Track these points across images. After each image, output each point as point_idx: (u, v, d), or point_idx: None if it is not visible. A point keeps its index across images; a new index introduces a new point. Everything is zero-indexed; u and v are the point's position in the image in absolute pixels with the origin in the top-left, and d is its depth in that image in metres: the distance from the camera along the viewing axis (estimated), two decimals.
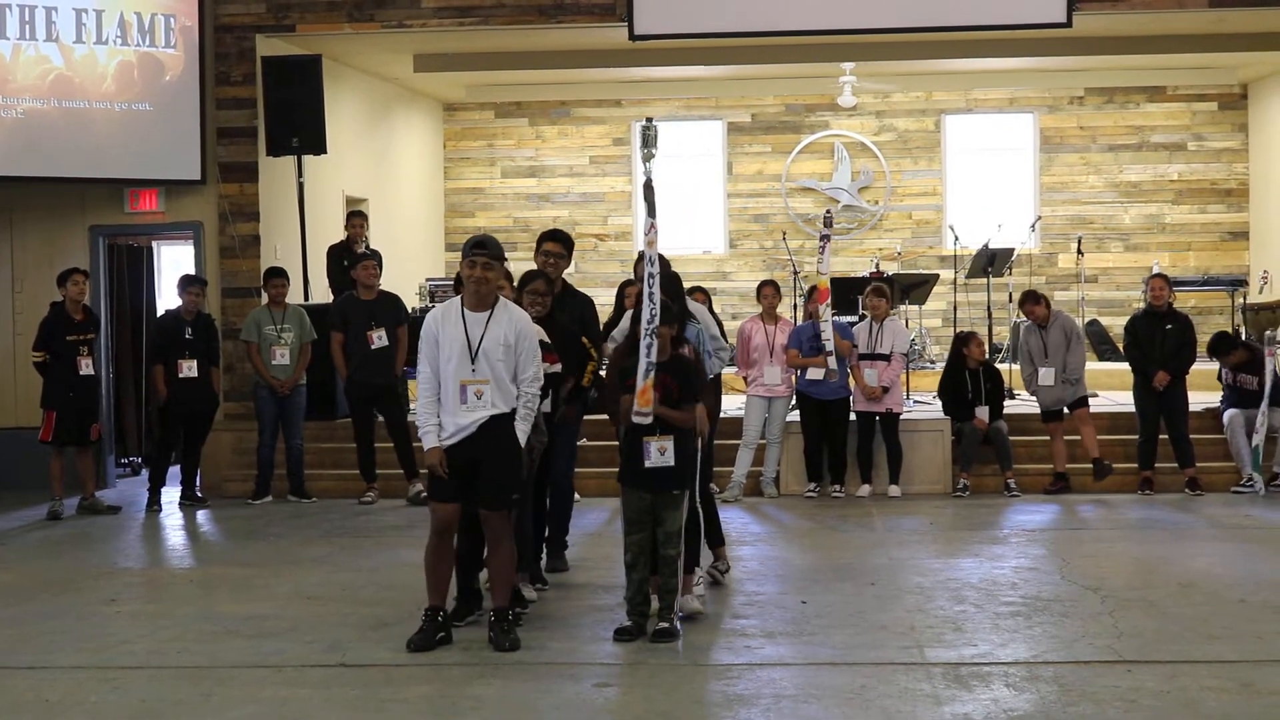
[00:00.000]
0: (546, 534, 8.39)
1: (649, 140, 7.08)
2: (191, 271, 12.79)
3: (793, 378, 11.59)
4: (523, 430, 6.73)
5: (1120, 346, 13.06)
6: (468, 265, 6.69)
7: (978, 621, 7.10)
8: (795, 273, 15.08)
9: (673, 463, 6.83)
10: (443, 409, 6.65)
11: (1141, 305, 12.89)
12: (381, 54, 14.64)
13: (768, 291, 11.75)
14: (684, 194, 17.77)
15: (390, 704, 5.84)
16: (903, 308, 14.60)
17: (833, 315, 11.34)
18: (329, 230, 13.54)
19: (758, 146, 17.73)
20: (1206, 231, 17.24)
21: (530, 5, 12.93)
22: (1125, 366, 11.98)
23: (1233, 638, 6.68)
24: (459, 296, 6.81)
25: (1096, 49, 14.69)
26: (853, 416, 11.66)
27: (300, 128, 12.74)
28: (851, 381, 11.63)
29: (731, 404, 11.87)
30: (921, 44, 14.56)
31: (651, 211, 7.00)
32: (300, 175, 13.02)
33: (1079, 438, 11.65)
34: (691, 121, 17.87)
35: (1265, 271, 15.75)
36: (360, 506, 11.45)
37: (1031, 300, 11.80)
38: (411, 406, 11.95)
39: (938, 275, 15.25)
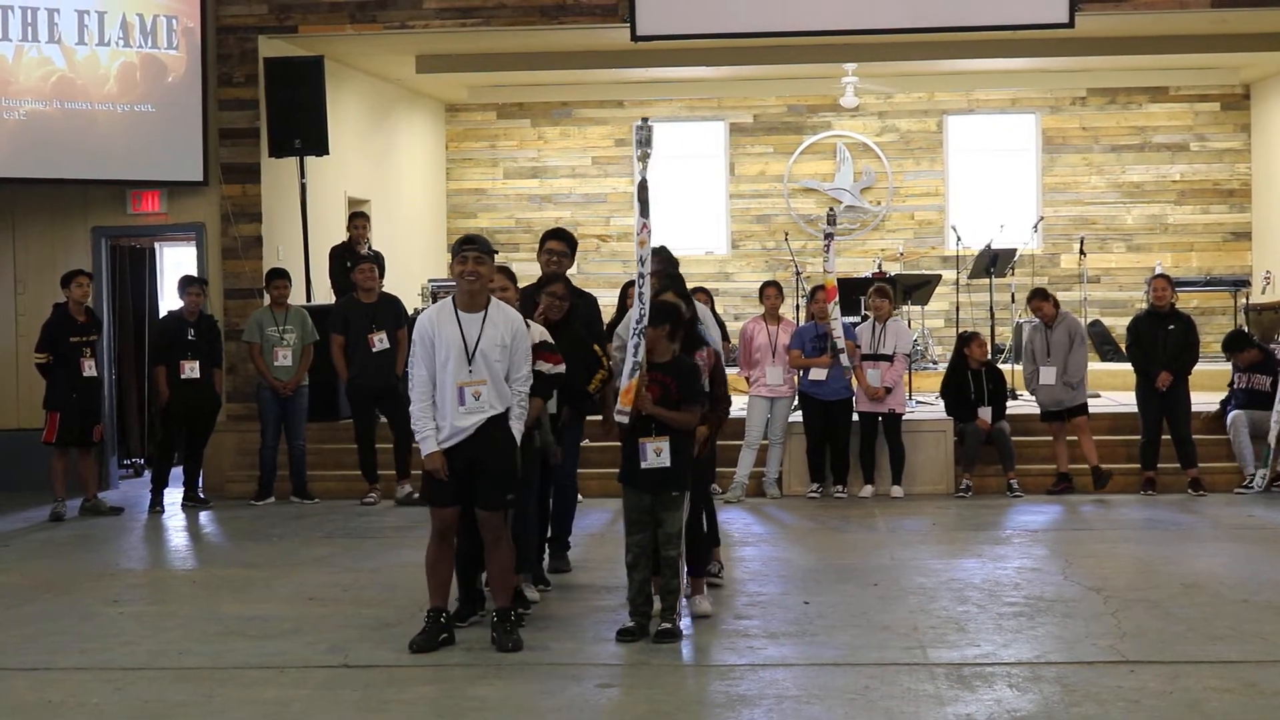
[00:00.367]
0: (549, 535, 8.39)
1: (644, 141, 7.06)
2: (193, 273, 12.78)
3: (795, 378, 11.59)
4: (518, 429, 6.72)
5: (1122, 347, 13.05)
6: (458, 261, 6.67)
7: (980, 622, 7.10)
8: (797, 273, 15.08)
9: (669, 464, 6.81)
10: (440, 411, 6.63)
11: (1144, 306, 12.88)
12: (383, 55, 14.64)
13: (770, 292, 11.75)
14: (686, 195, 17.79)
15: (393, 705, 5.84)
16: (905, 308, 14.59)
17: (838, 315, 11.34)
18: (331, 231, 13.54)
19: (760, 147, 17.73)
20: (1209, 232, 17.23)
21: (532, 6, 12.94)
22: (1128, 367, 11.98)
23: (1236, 638, 6.68)
24: (450, 298, 6.79)
25: (1099, 49, 14.69)
26: (855, 417, 11.66)
27: (302, 129, 12.75)
28: (854, 382, 11.62)
29: (733, 404, 11.84)
30: (924, 44, 14.55)
31: (645, 212, 7.00)
32: (302, 176, 13.02)
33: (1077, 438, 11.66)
34: (694, 122, 17.87)
35: (1268, 272, 15.74)
36: (362, 507, 11.45)
37: (1040, 297, 11.81)
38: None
39: (940, 276, 15.24)
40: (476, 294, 6.67)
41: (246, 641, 6.93)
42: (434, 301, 14.29)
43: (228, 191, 13.10)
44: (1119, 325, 15.18)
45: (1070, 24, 12.53)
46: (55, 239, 13.28)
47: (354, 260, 12.29)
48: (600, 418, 8.33)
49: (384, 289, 12.11)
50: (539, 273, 8.45)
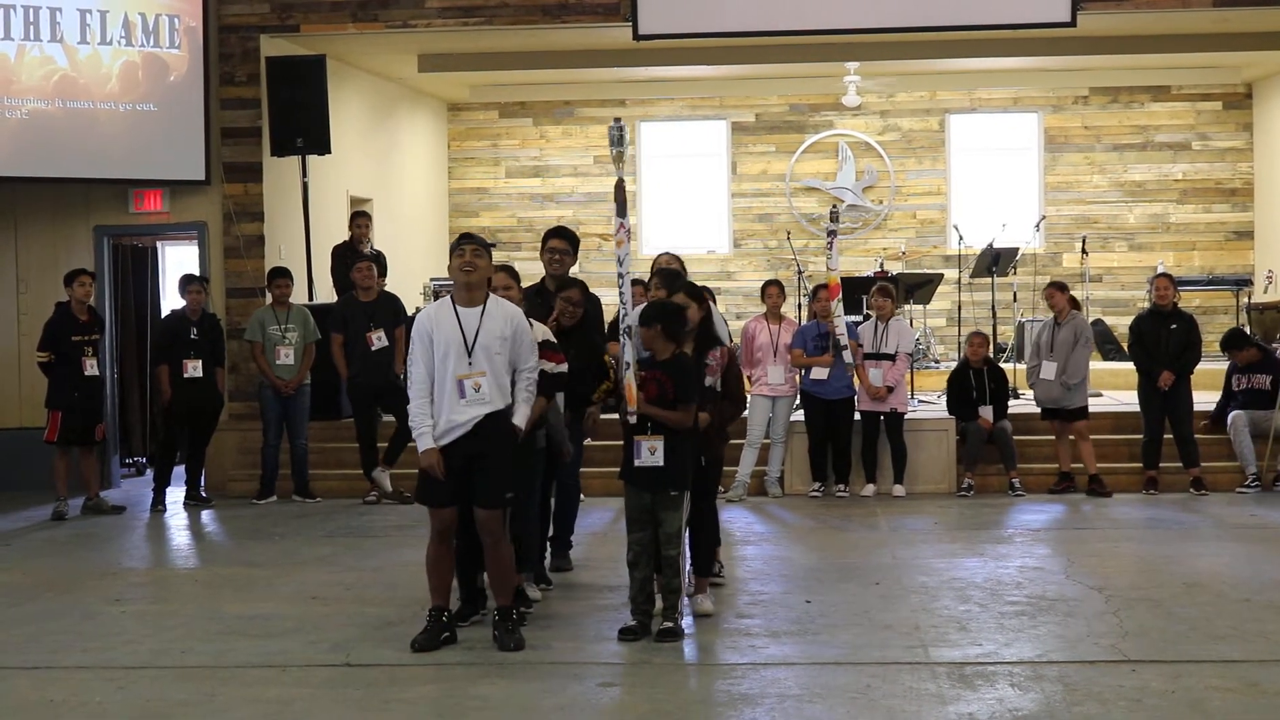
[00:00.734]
0: (551, 533, 8.39)
1: (618, 140, 7.07)
2: (195, 272, 12.78)
3: (797, 377, 11.59)
4: (523, 412, 6.72)
5: (1125, 346, 13.05)
6: (456, 254, 6.68)
7: (982, 621, 7.09)
8: (799, 272, 15.08)
9: (662, 463, 6.81)
10: (438, 407, 6.63)
11: (1146, 305, 12.87)
12: (386, 54, 14.65)
13: (772, 291, 11.75)
14: (688, 194, 17.80)
15: (395, 704, 5.84)
16: (907, 307, 14.59)
17: (840, 313, 11.35)
18: (333, 230, 13.54)
19: (762, 146, 17.73)
20: (1211, 231, 17.23)
21: (534, 5, 12.94)
22: (1130, 366, 11.97)
23: (1238, 637, 6.68)
24: (449, 296, 6.79)
25: (1101, 48, 14.68)
26: (857, 416, 11.66)
27: (304, 128, 12.75)
28: (856, 381, 11.63)
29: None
30: (926, 43, 14.55)
31: (621, 212, 7.01)
32: (304, 175, 13.03)
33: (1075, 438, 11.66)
34: (696, 121, 17.88)
35: (1270, 271, 15.73)
36: (364, 506, 11.46)
37: (1057, 288, 11.81)
38: None
39: (942, 275, 15.25)
40: (474, 287, 6.67)
41: (248, 640, 6.94)
42: (435, 300, 14.32)
43: (230, 190, 13.10)
44: (1121, 324, 15.17)
45: (1072, 23, 12.52)
46: (57, 238, 13.29)
47: (355, 259, 12.30)
48: (605, 417, 8.37)
49: (386, 288, 12.11)
50: (542, 272, 8.46)
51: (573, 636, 6.91)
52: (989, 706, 5.63)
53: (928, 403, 13.19)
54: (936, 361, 15.68)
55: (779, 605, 7.54)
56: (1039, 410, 11.85)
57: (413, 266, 15.63)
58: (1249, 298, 15.54)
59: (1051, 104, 17.40)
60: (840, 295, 11.37)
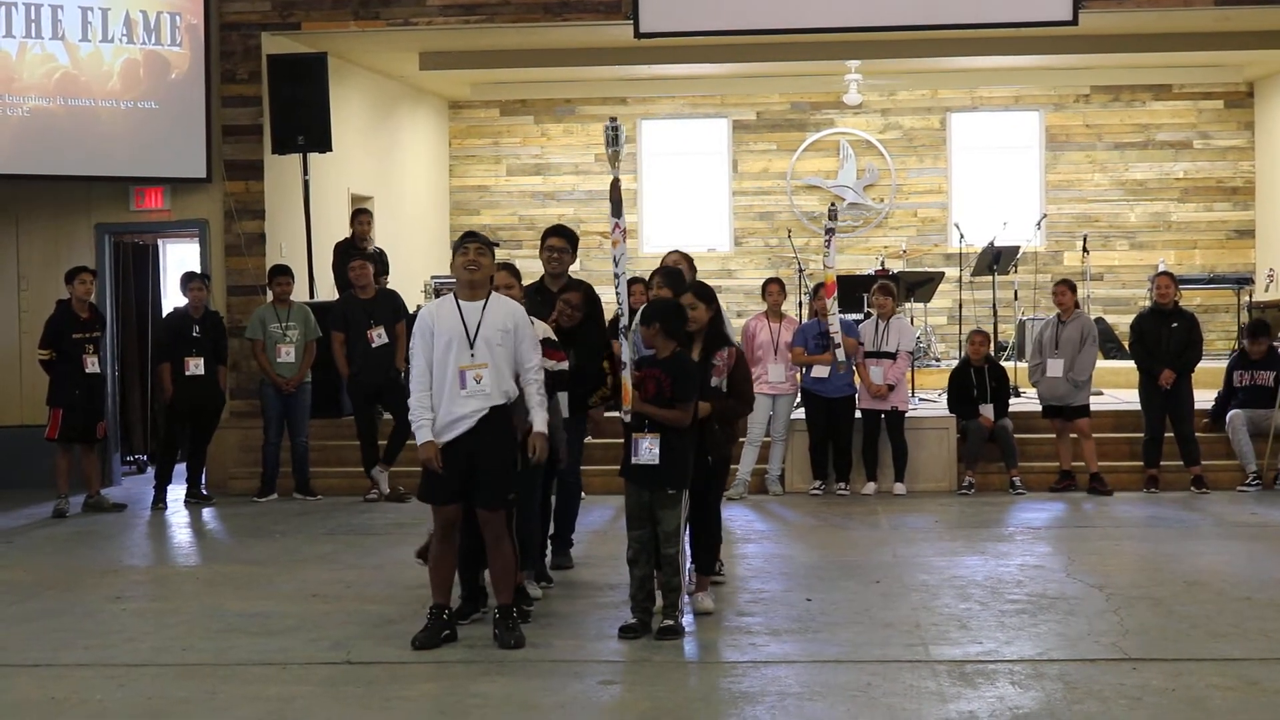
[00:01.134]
0: (552, 531, 8.39)
1: (614, 140, 7.06)
2: (196, 269, 12.78)
3: (797, 375, 11.59)
4: (541, 417, 6.69)
5: (1126, 345, 13.05)
6: (460, 253, 6.70)
7: (983, 619, 7.10)
8: (800, 270, 15.08)
9: (658, 461, 6.81)
10: (438, 399, 6.62)
11: (1147, 303, 12.87)
12: (387, 52, 14.65)
13: (773, 289, 11.74)
14: (689, 192, 17.80)
15: (395, 702, 5.85)
16: (908, 306, 14.59)
17: (839, 312, 11.34)
18: (334, 228, 13.54)
19: (763, 144, 17.72)
20: (1212, 229, 17.23)
21: (536, 3, 12.94)
22: (1131, 365, 11.97)
23: (1238, 635, 6.68)
24: (451, 292, 6.80)
25: (1102, 47, 14.68)
26: (858, 414, 11.66)
27: (306, 125, 12.75)
28: (857, 379, 11.63)
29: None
30: (927, 42, 14.55)
31: (617, 211, 7.01)
32: (306, 173, 13.03)
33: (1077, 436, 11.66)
34: (697, 119, 17.88)
35: (1271, 269, 15.73)
36: (365, 504, 11.46)
37: (1067, 286, 11.81)
38: None
39: (943, 273, 15.25)
40: (478, 284, 6.69)
41: (249, 638, 6.94)
42: (437, 298, 14.33)
43: (231, 188, 13.10)
44: (1122, 323, 15.17)
45: (1074, 21, 12.52)
46: (58, 235, 13.29)
47: (356, 257, 12.30)
48: (607, 415, 8.37)
49: (388, 286, 12.11)
50: (542, 270, 8.46)
51: (573, 634, 6.92)
52: (989, 705, 5.63)
53: (928, 401, 13.19)
54: (937, 360, 15.68)
55: (780, 603, 7.54)
56: (1040, 408, 11.85)
57: (413, 264, 15.63)
58: (1250, 296, 15.53)
59: (1053, 102, 17.40)
60: (836, 294, 11.35)
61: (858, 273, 15.17)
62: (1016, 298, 15.15)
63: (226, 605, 7.76)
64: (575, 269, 8.80)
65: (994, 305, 14.52)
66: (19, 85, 12.32)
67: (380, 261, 12.86)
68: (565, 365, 7.49)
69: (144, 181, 13.09)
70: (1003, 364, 12.57)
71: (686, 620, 6.97)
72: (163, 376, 11.77)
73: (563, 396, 7.72)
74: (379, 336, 11.55)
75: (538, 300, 7.95)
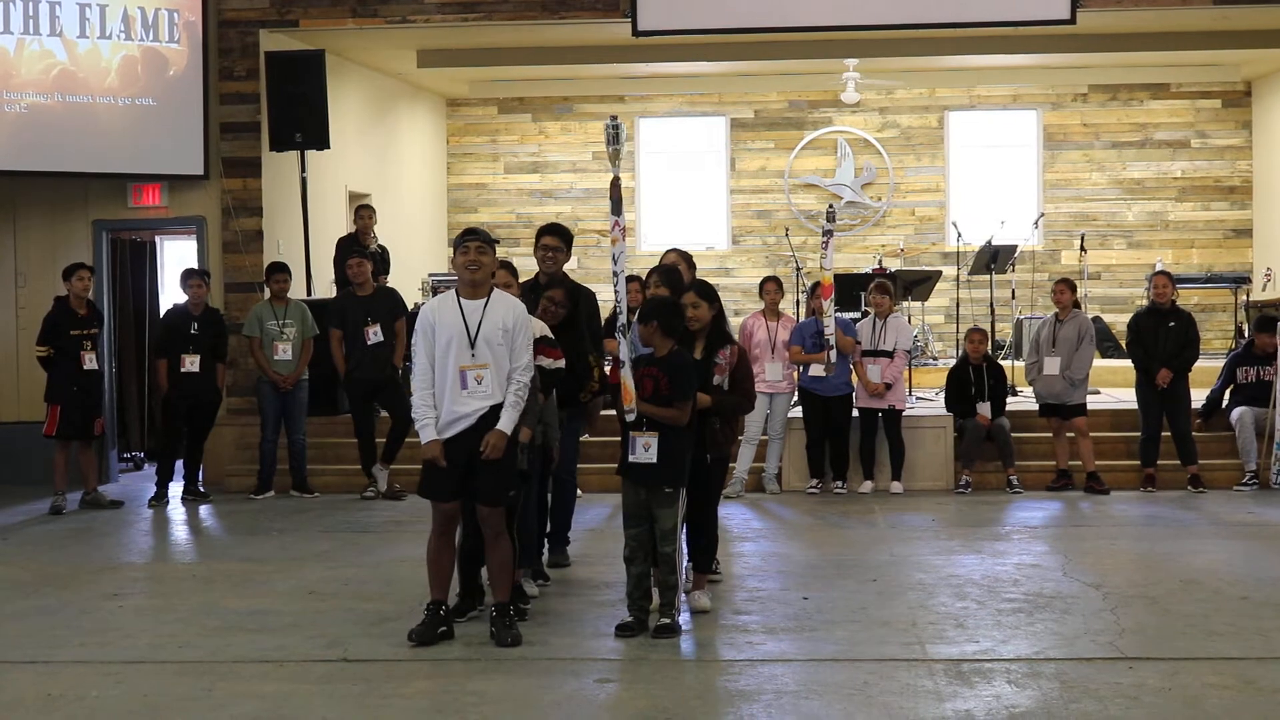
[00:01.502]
0: (548, 529, 8.39)
1: (615, 138, 7.07)
2: (194, 266, 12.78)
3: (795, 374, 11.59)
4: (510, 418, 6.65)
5: (1123, 344, 13.06)
6: (461, 252, 6.69)
7: (980, 618, 7.10)
8: (798, 269, 15.08)
9: (655, 459, 6.81)
10: (440, 398, 6.62)
11: (1144, 302, 12.88)
12: (385, 49, 14.65)
13: (770, 287, 11.75)
14: (687, 190, 17.80)
15: (392, 699, 5.85)
16: (905, 304, 14.59)
17: (836, 312, 11.35)
18: (332, 225, 13.55)
19: (761, 143, 17.73)
20: (1210, 229, 17.24)
21: (534, 1, 12.95)
22: (1128, 364, 11.98)
23: (1235, 634, 6.68)
24: (452, 289, 6.80)
25: (1100, 46, 14.69)
26: (855, 413, 11.67)
27: (303, 123, 12.75)
28: (854, 378, 11.63)
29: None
30: (925, 40, 14.56)
31: (617, 209, 7.01)
32: (303, 170, 13.02)
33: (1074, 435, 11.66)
34: (694, 117, 17.88)
35: (1269, 269, 15.74)
36: (362, 501, 11.46)
37: (1067, 285, 11.83)
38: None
39: (940, 272, 15.25)
40: (479, 284, 6.69)
41: (246, 635, 6.94)
42: (435, 296, 14.32)
43: (228, 185, 13.10)
44: (1119, 322, 15.19)
45: (1072, 20, 12.53)
46: (56, 232, 13.29)
47: (357, 253, 12.29)
48: (603, 413, 8.36)
49: (387, 284, 12.11)
50: (537, 268, 8.45)
51: (570, 632, 6.92)
52: (986, 703, 5.64)
53: (926, 400, 13.19)
54: (934, 359, 15.69)
55: (776, 602, 7.55)
56: (1037, 407, 11.85)
57: (411, 262, 15.62)
58: (1247, 295, 15.54)
59: (1051, 101, 17.41)
60: (833, 295, 11.37)
61: (855, 271, 15.16)
62: (1014, 296, 15.15)
63: (223, 602, 7.76)
64: (571, 267, 8.78)
65: (991, 304, 14.53)
66: (17, 82, 12.31)
67: (381, 260, 12.86)
68: (562, 363, 7.48)
69: (142, 178, 13.09)
70: (1000, 363, 12.57)
71: (683, 618, 6.97)
72: (159, 372, 11.77)
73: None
74: (375, 334, 11.55)
75: (532, 298, 7.95)
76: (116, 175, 12.98)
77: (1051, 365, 11.60)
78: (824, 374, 11.34)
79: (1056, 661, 6.26)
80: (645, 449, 6.82)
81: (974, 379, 11.73)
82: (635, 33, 12.78)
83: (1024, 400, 12.58)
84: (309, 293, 13.01)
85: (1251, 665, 6.15)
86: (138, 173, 12.98)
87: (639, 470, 6.85)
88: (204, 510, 11.43)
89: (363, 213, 13.05)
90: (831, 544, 9.39)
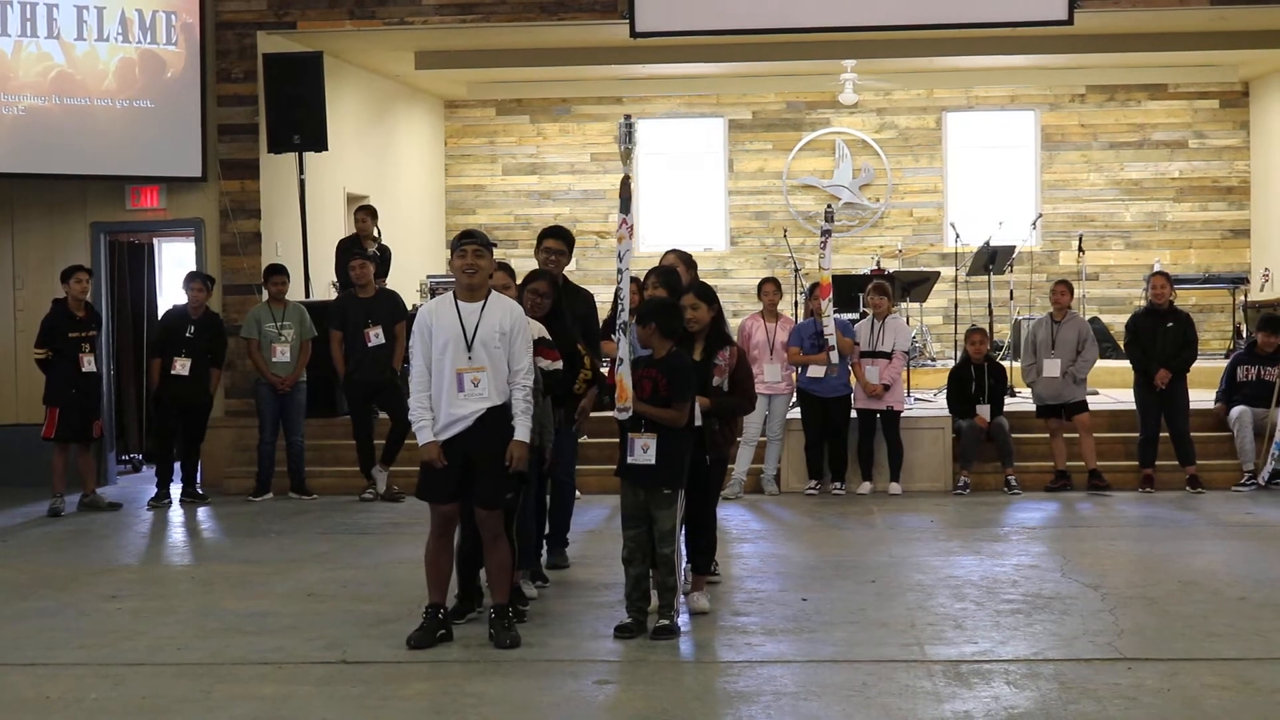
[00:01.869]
0: (547, 531, 8.39)
1: (627, 138, 7.07)
2: (193, 269, 12.78)
3: (793, 375, 11.59)
4: (524, 425, 6.67)
5: (1121, 344, 13.06)
6: (458, 255, 6.69)
7: (978, 619, 7.10)
8: (796, 270, 15.08)
9: (653, 461, 6.81)
10: (437, 400, 6.62)
11: (1142, 303, 12.88)
12: (383, 51, 14.64)
13: (769, 289, 11.74)
14: (685, 191, 17.80)
15: (391, 701, 5.85)
16: (904, 305, 14.60)
17: (834, 312, 11.35)
18: (330, 228, 13.55)
19: (759, 144, 17.73)
20: (1208, 229, 17.24)
21: (532, 2, 12.95)
22: (1126, 364, 11.98)
23: (1233, 635, 6.68)
24: (450, 292, 6.80)
25: (1098, 46, 14.69)
26: (854, 414, 11.67)
27: (301, 125, 12.75)
28: (853, 379, 11.63)
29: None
30: (923, 41, 14.56)
31: (625, 208, 7.01)
32: (301, 172, 13.02)
33: (1076, 435, 11.66)
34: (693, 119, 17.88)
35: (1266, 269, 15.75)
36: (361, 503, 11.45)
37: (1066, 286, 11.85)
38: None
39: (939, 273, 15.25)
40: (476, 287, 6.68)
41: (244, 637, 6.94)
42: (432, 298, 14.31)
43: (226, 187, 13.10)
44: (1117, 323, 15.19)
45: (1069, 21, 12.54)
46: (54, 234, 13.29)
47: (352, 255, 12.29)
48: (601, 414, 8.34)
49: (388, 286, 12.11)
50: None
51: (569, 634, 6.92)
52: (985, 704, 5.64)
53: (924, 401, 13.19)
54: (933, 360, 15.69)
55: (775, 603, 7.55)
56: (1035, 409, 11.85)
57: (409, 264, 15.61)
58: (1245, 296, 15.55)
59: (1048, 102, 17.41)
60: (831, 295, 11.37)
61: (853, 272, 15.16)
62: (1012, 297, 15.15)
63: (222, 604, 7.76)
64: (570, 269, 8.79)
65: (989, 305, 14.53)
66: (14, 84, 12.30)
67: (381, 262, 12.85)
68: (560, 365, 7.47)
69: (140, 180, 13.09)
70: (1001, 364, 12.56)
71: (682, 620, 6.97)
72: (152, 372, 11.78)
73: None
74: (376, 336, 11.55)
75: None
76: (114, 177, 12.98)
77: (1051, 367, 11.60)
78: (823, 375, 11.34)
79: (1055, 662, 6.26)
80: (644, 450, 6.82)
81: (975, 378, 11.73)
82: (633, 34, 12.79)
83: (1021, 401, 12.58)
84: (307, 294, 13.01)
85: (1250, 666, 6.15)
86: (136, 175, 12.97)
87: (637, 472, 6.85)
88: (202, 512, 11.42)
89: (360, 214, 13.05)
90: (830, 545, 9.39)
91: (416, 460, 6.83)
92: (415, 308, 13.18)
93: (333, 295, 13.10)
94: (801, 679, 6.08)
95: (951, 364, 12.51)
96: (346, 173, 14.80)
